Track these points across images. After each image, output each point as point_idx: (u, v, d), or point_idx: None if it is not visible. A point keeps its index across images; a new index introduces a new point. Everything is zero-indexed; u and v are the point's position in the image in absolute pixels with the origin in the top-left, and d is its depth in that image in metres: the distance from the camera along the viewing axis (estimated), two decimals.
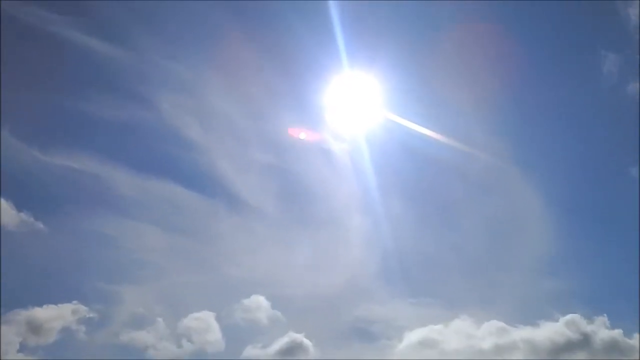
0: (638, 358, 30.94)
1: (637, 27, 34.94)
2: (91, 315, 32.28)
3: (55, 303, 31.99)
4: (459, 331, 32.53)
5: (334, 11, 32.24)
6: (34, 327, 30.91)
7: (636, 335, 31.50)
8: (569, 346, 32.47)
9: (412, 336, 33.03)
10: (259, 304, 33.87)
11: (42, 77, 35.70)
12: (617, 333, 32.56)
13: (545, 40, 39.34)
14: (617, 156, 38.68)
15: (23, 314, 30.90)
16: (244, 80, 38.72)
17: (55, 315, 31.73)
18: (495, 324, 32.97)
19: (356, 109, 35.56)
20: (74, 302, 32.18)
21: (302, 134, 37.39)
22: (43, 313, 31.52)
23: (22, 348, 30.50)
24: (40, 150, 34.86)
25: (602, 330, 32.58)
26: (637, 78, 35.90)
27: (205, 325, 32.76)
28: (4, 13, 32.54)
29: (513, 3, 37.74)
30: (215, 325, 32.98)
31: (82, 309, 32.13)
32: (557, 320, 33.14)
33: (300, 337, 32.42)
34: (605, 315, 32.98)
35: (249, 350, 32.69)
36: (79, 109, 36.95)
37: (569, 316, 33.04)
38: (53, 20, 34.61)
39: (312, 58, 36.24)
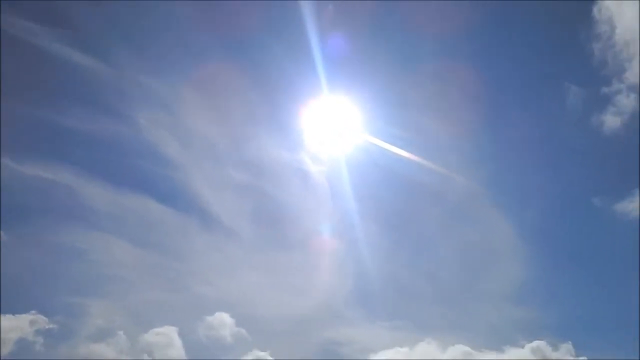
0: None
1: (600, 60, 36.63)
2: (50, 326, 31.58)
3: (14, 313, 31.25)
4: (425, 354, 32.34)
5: (314, 35, 33.24)
6: None
7: None
8: None
9: (377, 358, 32.81)
10: (223, 321, 33.44)
11: (20, 87, 35.70)
12: None
13: (513, 71, 40.96)
14: (582, 186, 39.70)
15: None
16: (223, 100, 39.37)
17: (13, 326, 30.95)
18: (460, 348, 32.95)
19: (334, 131, 36.12)
20: (33, 312, 31.50)
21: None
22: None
23: None
24: (12, 158, 34.59)
25: (567, 358, 32.73)
26: (601, 110, 37.40)
27: (167, 340, 32.15)
28: None
29: (486, 37, 39.55)
30: (177, 341, 32.41)
31: (42, 319, 31.46)
32: (522, 347, 33.22)
33: (265, 355, 31.98)
34: (570, 342, 33.16)
35: None
36: (55, 120, 37.01)
37: (535, 343, 33.15)
38: (34, 31, 34.87)
39: (292, 80, 37.10)
